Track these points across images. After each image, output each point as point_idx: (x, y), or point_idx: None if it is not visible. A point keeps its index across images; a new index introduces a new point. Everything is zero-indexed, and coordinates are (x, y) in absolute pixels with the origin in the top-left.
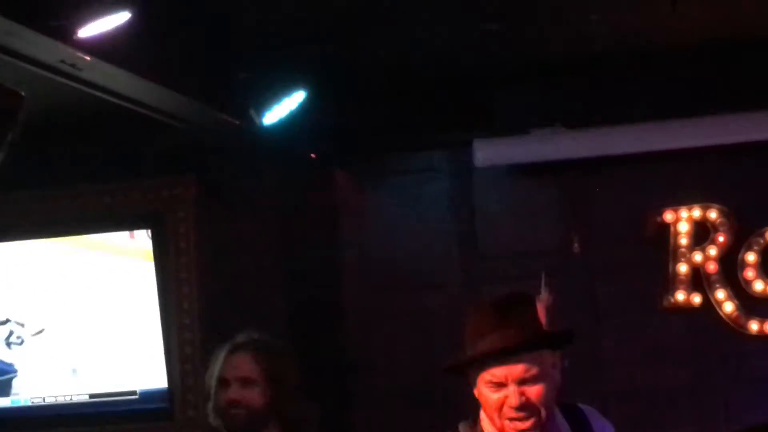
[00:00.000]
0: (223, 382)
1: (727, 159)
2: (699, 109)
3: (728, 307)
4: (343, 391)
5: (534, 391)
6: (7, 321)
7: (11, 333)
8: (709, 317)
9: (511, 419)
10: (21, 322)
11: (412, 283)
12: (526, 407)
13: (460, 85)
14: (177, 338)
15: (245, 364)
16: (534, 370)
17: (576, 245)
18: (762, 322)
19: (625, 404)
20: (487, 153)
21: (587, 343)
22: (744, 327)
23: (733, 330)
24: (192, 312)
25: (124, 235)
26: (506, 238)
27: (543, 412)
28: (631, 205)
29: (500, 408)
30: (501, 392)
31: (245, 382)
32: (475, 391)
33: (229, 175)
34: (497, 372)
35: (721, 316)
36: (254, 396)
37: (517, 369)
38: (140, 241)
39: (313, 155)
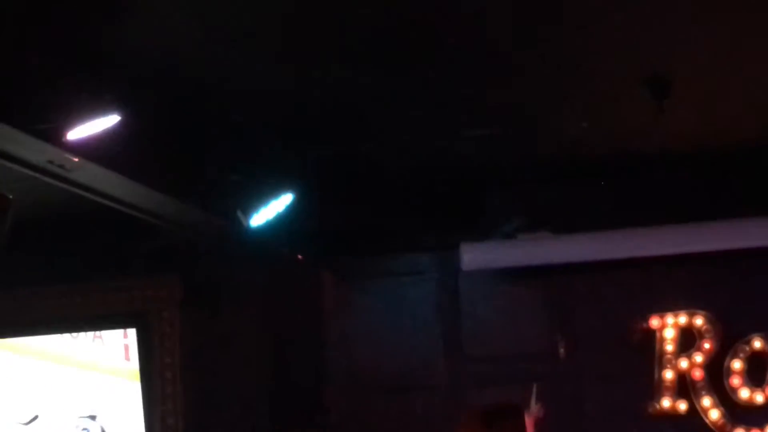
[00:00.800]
0: None
1: (713, 265)
2: (685, 216)
3: (714, 414)
4: None
5: None
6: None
7: None
8: (695, 424)
9: None
10: None
11: (398, 385)
12: None
13: (448, 188)
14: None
15: None
16: None
17: (562, 350)
18: (747, 430)
19: None
20: (474, 257)
21: None
22: None
23: None
24: (177, 412)
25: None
26: (492, 341)
27: None
28: (618, 310)
29: None
30: None
31: None
32: None
33: (215, 276)
34: None
35: (707, 423)
36: None
37: None
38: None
39: (300, 257)
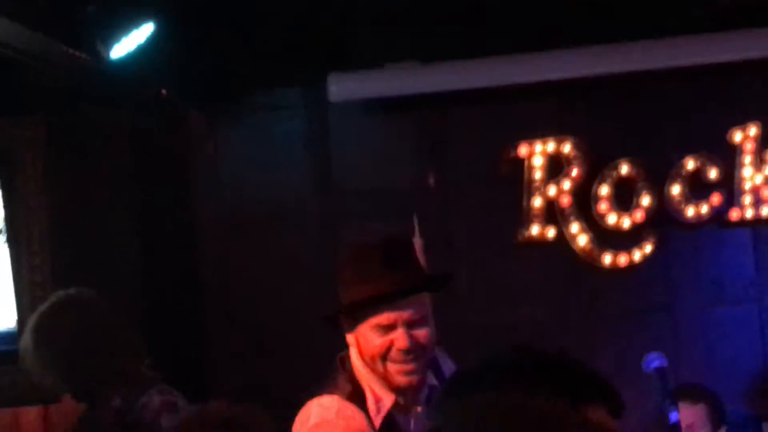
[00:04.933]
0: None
1: (580, 92)
2: (552, 42)
3: (582, 240)
4: (202, 338)
5: (422, 333)
6: None
7: None
8: (563, 251)
9: (398, 362)
10: None
11: (269, 224)
12: (414, 350)
13: (315, 19)
14: (27, 280)
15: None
16: (422, 313)
17: (432, 181)
18: (615, 255)
19: (481, 341)
20: (342, 87)
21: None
22: (597, 260)
23: (587, 264)
24: (43, 253)
25: None
26: (362, 175)
27: (428, 354)
28: (487, 141)
29: (385, 352)
30: (387, 336)
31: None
32: (351, 337)
33: (80, 114)
34: (388, 315)
35: (574, 249)
36: None
37: (407, 313)
38: None
39: (163, 91)
